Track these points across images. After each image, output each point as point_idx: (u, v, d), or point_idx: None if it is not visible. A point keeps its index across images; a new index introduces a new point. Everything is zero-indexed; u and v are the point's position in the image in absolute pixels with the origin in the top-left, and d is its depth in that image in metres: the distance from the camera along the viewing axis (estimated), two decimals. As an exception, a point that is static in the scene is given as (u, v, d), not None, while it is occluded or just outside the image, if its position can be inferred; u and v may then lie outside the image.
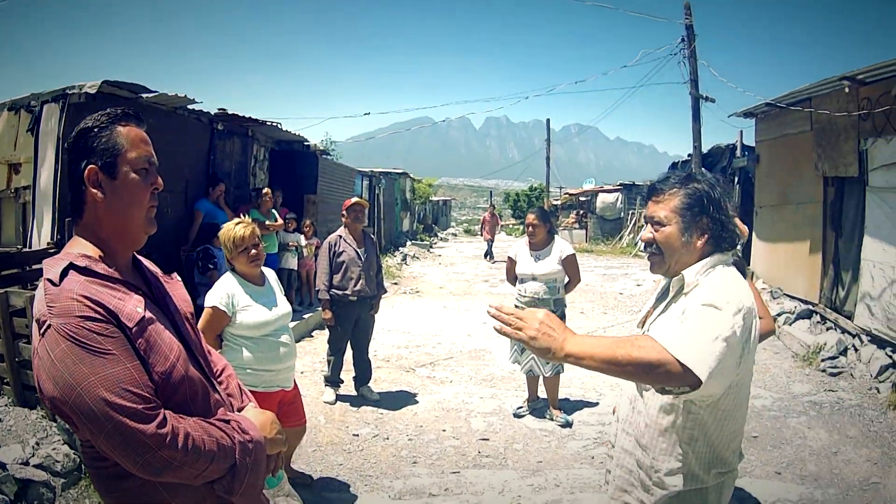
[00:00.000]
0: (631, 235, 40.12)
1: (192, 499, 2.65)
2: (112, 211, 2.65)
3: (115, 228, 2.69)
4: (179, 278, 3.21)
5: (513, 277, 9.72)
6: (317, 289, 10.19)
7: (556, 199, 61.54)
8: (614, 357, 2.86)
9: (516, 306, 9.36)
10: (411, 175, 48.33)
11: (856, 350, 11.97)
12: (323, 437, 8.76)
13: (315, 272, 11.79)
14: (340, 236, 10.07)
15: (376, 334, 11.83)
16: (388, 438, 8.79)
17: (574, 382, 11.16)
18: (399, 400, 10.38)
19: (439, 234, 60.64)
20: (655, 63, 25.08)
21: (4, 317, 7.38)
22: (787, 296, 16.18)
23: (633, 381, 3.24)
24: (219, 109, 14.28)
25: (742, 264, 6.06)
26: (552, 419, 9.43)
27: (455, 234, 70.63)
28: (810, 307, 14.66)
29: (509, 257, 9.74)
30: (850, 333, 12.46)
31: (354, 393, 10.46)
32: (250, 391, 5.56)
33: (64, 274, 2.46)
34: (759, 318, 6.02)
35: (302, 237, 16.15)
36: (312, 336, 14.56)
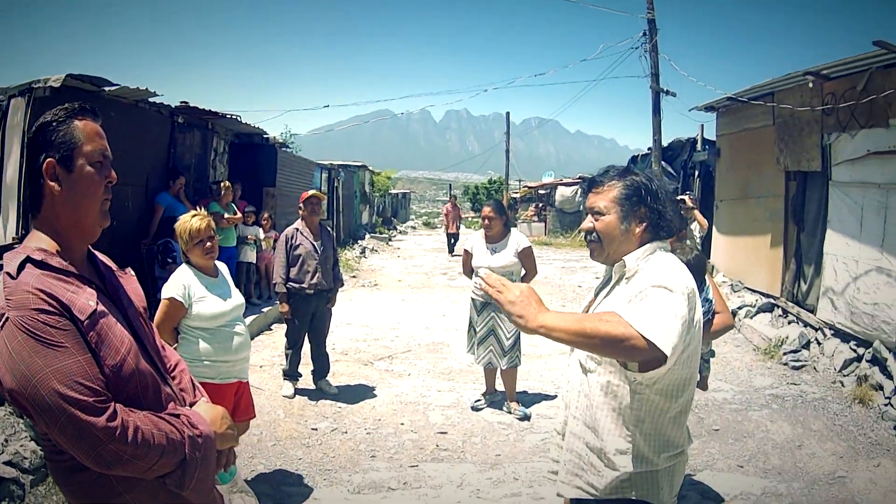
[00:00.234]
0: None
1: (146, 493, 2.65)
2: (68, 204, 2.67)
3: (71, 221, 2.70)
4: (133, 273, 3.24)
5: (469, 270, 9.70)
6: (273, 282, 10.12)
7: (516, 192, 61.82)
8: (583, 330, 2.96)
9: (472, 299, 9.40)
10: (370, 168, 48.32)
11: (819, 343, 12.01)
12: (282, 431, 8.69)
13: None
14: (297, 229, 9.99)
15: (334, 327, 11.75)
16: (346, 432, 8.73)
17: (532, 375, 11.16)
18: (357, 393, 10.31)
19: (399, 227, 60.71)
20: (617, 57, 25.14)
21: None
22: (748, 289, 16.25)
23: (599, 353, 3.30)
24: (181, 102, 14.24)
25: (703, 258, 6.06)
26: (510, 412, 9.40)
27: (414, 227, 70.73)
28: (772, 300, 14.71)
29: (465, 250, 9.72)
30: (812, 327, 12.51)
31: (313, 387, 10.38)
32: (208, 383, 5.56)
33: (21, 267, 2.50)
34: (718, 312, 6.04)
35: (260, 230, 16.01)
36: (271, 329, 14.45)
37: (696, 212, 13.58)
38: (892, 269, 10.15)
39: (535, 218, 49.86)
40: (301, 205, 10.05)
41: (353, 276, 23.85)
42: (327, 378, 10.45)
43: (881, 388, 9.76)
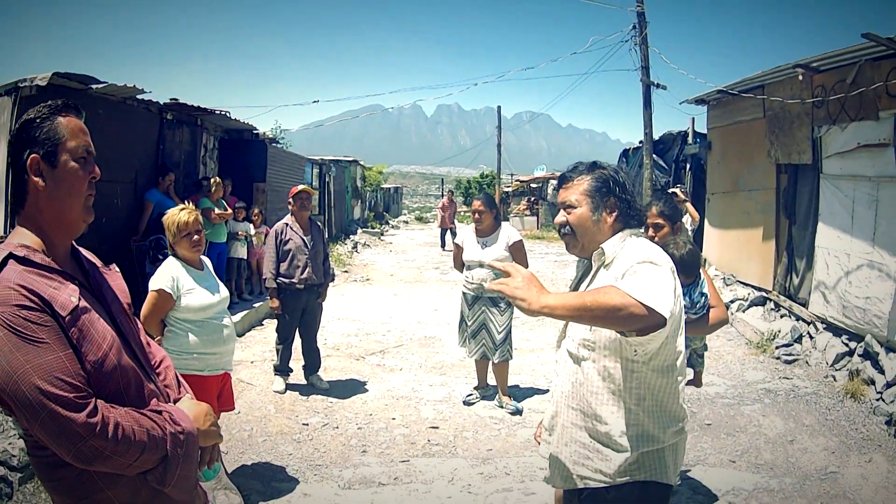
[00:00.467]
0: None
1: (128, 489, 2.65)
2: (52, 199, 2.69)
3: (55, 217, 2.71)
4: (118, 269, 3.22)
5: (460, 264, 9.66)
6: (263, 277, 10.10)
7: (508, 186, 61.81)
8: (583, 303, 3.03)
9: (464, 293, 9.38)
10: (362, 163, 48.31)
11: (811, 337, 12.00)
12: (272, 426, 8.67)
13: (265, 261, 11.75)
14: (287, 224, 9.99)
15: (326, 322, 11.74)
16: (337, 427, 8.72)
17: (524, 369, 11.17)
18: (349, 388, 10.30)
19: (391, 222, 60.74)
20: (607, 50, 25.21)
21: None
22: (741, 283, 16.26)
23: (600, 325, 3.36)
24: (171, 99, 14.31)
25: (697, 252, 6.04)
26: (502, 406, 9.40)
27: (406, 222, 70.78)
28: (764, 294, 14.72)
29: (456, 244, 9.74)
30: (804, 321, 12.49)
31: (304, 382, 10.36)
32: (196, 375, 5.54)
33: (3, 264, 2.49)
34: (713, 306, 6.00)
35: (251, 226, 16.00)
36: (263, 325, 14.41)
37: (688, 204, 13.57)
38: (883, 262, 10.14)
39: (528, 212, 49.89)
40: (291, 199, 10.03)
41: (345, 271, 23.87)
42: (318, 373, 10.44)
43: (873, 382, 9.74)
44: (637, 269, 3.28)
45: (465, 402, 9.64)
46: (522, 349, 12.22)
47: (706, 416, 9.15)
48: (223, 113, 16.28)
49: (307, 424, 8.78)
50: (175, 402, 3.04)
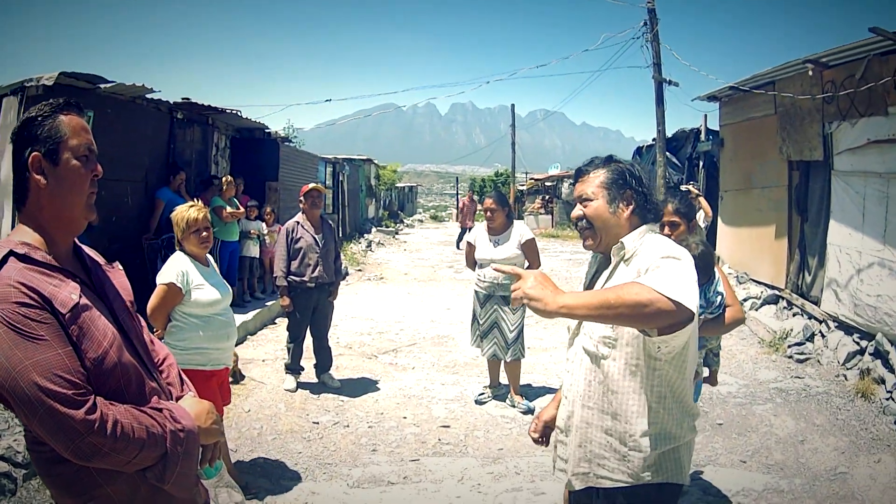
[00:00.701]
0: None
1: (127, 486, 2.67)
2: (54, 197, 2.69)
3: (56, 214, 2.72)
4: (121, 267, 3.24)
5: (472, 263, 9.67)
6: (274, 275, 10.12)
7: (522, 185, 61.72)
8: (606, 301, 2.96)
9: (476, 292, 9.37)
10: (375, 161, 48.32)
11: (823, 336, 11.94)
12: (283, 424, 8.68)
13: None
14: (298, 222, 9.99)
15: (339, 321, 11.75)
16: (348, 426, 8.72)
17: (537, 368, 11.15)
18: (360, 387, 10.30)
19: (405, 221, 60.76)
20: (618, 47, 25.23)
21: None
22: (754, 281, 16.22)
23: (623, 323, 3.25)
24: (183, 98, 14.36)
25: (711, 252, 6.02)
26: (514, 405, 9.38)
27: (421, 221, 70.79)
28: (777, 292, 14.68)
29: (468, 242, 9.72)
30: (816, 319, 12.42)
31: (316, 380, 10.37)
32: (198, 370, 5.55)
33: (4, 261, 2.49)
34: (728, 305, 5.96)
35: (263, 225, 16.00)
36: (275, 324, 14.41)
37: (702, 199, 13.54)
38: (894, 260, 10.07)
39: (542, 210, 49.84)
40: (302, 198, 10.05)
41: (359, 270, 23.92)
42: (330, 372, 10.45)
43: (883, 381, 9.70)
44: (660, 263, 3.18)
45: (476, 401, 9.63)
46: (535, 348, 12.22)
47: (718, 415, 9.12)
48: (234, 112, 16.29)
49: (317, 423, 8.79)
50: (177, 399, 3.05)
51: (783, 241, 14.68)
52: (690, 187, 13.34)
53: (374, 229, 39.84)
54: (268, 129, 19.59)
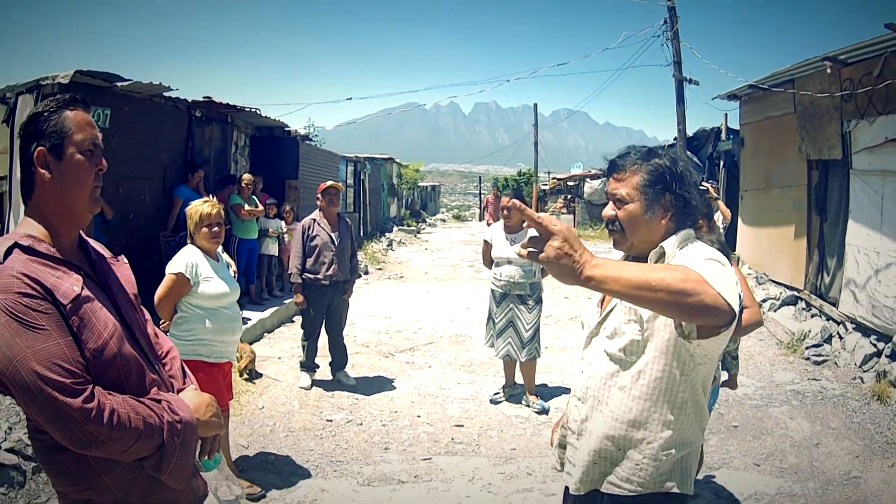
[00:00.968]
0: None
1: (124, 475, 2.72)
2: (58, 190, 2.75)
3: (61, 208, 2.78)
4: (126, 260, 3.28)
5: (489, 261, 9.67)
6: (289, 272, 10.15)
7: (545, 184, 61.67)
8: (646, 281, 2.61)
9: (492, 290, 9.37)
10: (398, 160, 48.33)
11: (840, 338, 11.86)
12: (296, 422, 8.72)
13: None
14: (314, 220, 10.04)
15: (357, 319, 11.77)
16: (361, 424, 8.76)
17: (554, 368, 11.16)
18: (376, 385, 10.34)
19: (427, 220, 60.69)
20: (639, 46, 25.04)
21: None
22: (773, 281, 16.15)
23: (657, 310, 2.90)
24: (204, 97, 14.43)
25: (727, 249, 5.97)
26: (528, 406, 9.39)
27: (444, 220, 70.77)
28: (795, 293, 14.60)
29: (485, 241, 9.70)
30: (834, 321, 12.35)
31: (331, 378, 10.41)
32: (201, 361, 5.60)
33: (8, 252, 2.57)
34: (746, 307, 5.87)
35: (283, 223, 16.06)
36: (293, 322, 14.41)
37: (720, 202, 13.49)
38: (913, 260, 10.03)
39: (564, 210, 49.75)
40: (319, 195, 10.10)
41: (379, 269, 24.00)
42: (345, 370, 10.49)
43: (899, 384, 9.62)
44: (703, 264, 2.87)
45: (491, 401, 9.65)
46: (553, 348, 12.27)
47: (733, 417, 9.10)
48: (253, 110, 16.37)
49: (331, 420, 8.83)
50: (179, 392, 3.10)
51: (802, 241, 14.60)
52: (709, 187, 13.27)
53: (395, 228, 39.87)
54: (287, 127, 19.66)
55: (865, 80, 11.47)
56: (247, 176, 14.57)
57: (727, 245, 6.05)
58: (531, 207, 9.25)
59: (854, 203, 11.90)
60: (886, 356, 10.24)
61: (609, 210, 3.40)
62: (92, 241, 3.07)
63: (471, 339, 13.45)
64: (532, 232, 8.96)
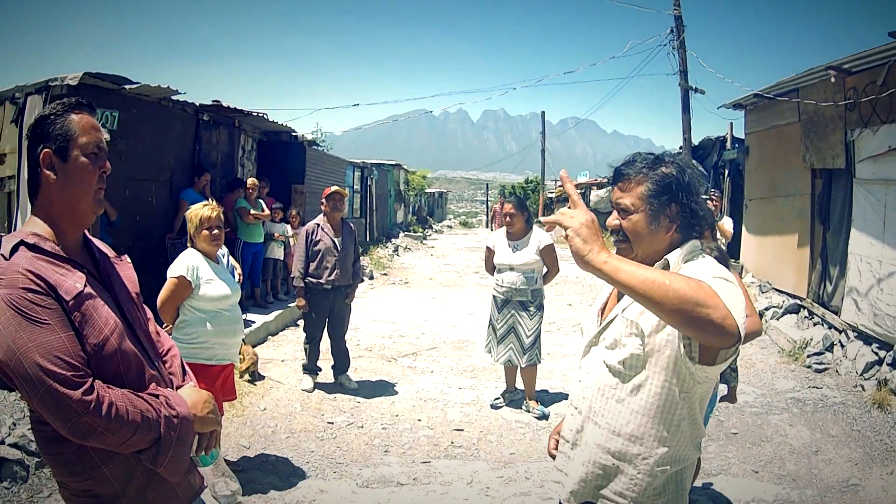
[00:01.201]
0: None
1: (122, 466, 2.80)
2: (63, 191, 2.83)
3: (65, 208, 2.85)
4: (129, 260, 3.35)
5: (491, 267, 9.72)
6: (292, 276, 10.24)
7: (552, 192, 61.66)
8: (658, 281, 2.59)
9: (494, 296, 9.43)
10: (405, 166, 48.36)
11: (842, 346, 11.88)
12: (297, 424, 8.77)
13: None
14: (318, 225, 10.10)
15: (361, 324, 11.80)
16: (362, 427, 8.80)
17: (555, 374, 11.20)
18: (378, 389, 10.38)
19: (434, 226, 60.80)
20: (645, 54, 25.18)
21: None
22: (776, 290, 16.16)
23: (661, 315, 2.75)
24: (213, 101, 14.45)
25: (725, 257, 5.98)
26: (528, 411, 9.42)
27: (450, 227, 70.87)
28: (798, 302, 14.61)
29: (487, 247, 9.74)
30: (836, 329, 12.38)
31: (333, 381, 10.47)
32: (202, 365, 5.65)
33: (14, 250, 2.66)
34: (746, 315, 5.81)
35: (288, 227, 16.11)
36: (297, 325, 14.40)
37: (721, 224, 13.45)
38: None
39: (570, 218, 49.74)
40: (324, 200, 10.16)
41: (385, 274, 24.06)
42: (347, 373, 10.54)
43: (900, 392, 9.63)
44: (713, 282, 2.76)
45: (491, 406, 9.68)
46: (555, 354, 12.31)
47: (733, 424, 9.12)
48: (260, 115, 16.39)
49: (332, 423, 8.87)
50: (178, 389, 3.16)
51: (805, 249, 14.63)
52: (711, 196, 13.26)
53: (401, 234, 39.95)
54: (294, 132, 19.77)
55: (869, 89, 11.50)
56: (252, 180, 14.62)
57: (726, 254, 6.06)
58: (537, 215, 9.25)
59: (857, 212, 11.93)
60: (888, 364, 10.28)
61: (613, 220, 3.33)
62: (96, 241, 3.16)
63: (473, 345, 13.49)
64: (534, 239, 8.99)
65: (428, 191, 75.51)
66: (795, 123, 15.18)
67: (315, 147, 23.04)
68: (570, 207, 2.85)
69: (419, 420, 9.12)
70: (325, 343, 10.40)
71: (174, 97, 12.92)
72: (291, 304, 14.79)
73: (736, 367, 6.58)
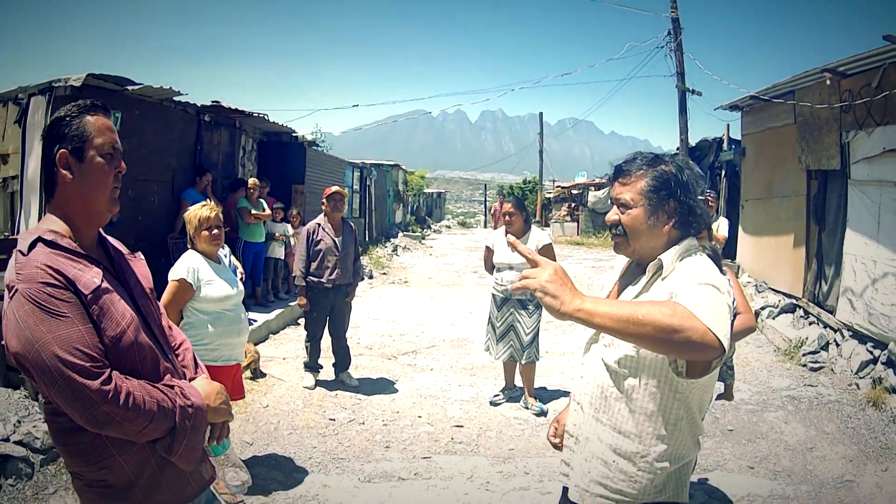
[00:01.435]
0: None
1: (137, 456, 2.86)
2: (79, 191, 2.91)
3: (82, 207, 2.94)
4: (143, 257, 3.44)
5: (490, 267, 9.79)
6: (293, 275, 10.34)
7: (549, 193, 61.58)
8: (633, 316, 2.67)
9: (493, 295, 9.50)
10: (403, 167, 48.29)
11: (837, 345, 11.95)
12: (299, 420, 8.84)
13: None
14: (319, 224, 10.18)
15: (361, 323, 11.85)
16: (363, 423, 8.88)
17: (553, 372, 11.25)
18: (378, 386, 10.47)
19: (433, 226, 60.54)
20: (643, 56, 25.23)
21: (-11, 300, 7.54)
22: (772, 290, 16.21)
23: (644, 345, 2.88)
24: (212, 102, 14.50)
25: (718, 257, 6.04)
26: (527, 407, 9.50)
27: (449, 227, 70.62)
28: (794, 301, 14.66)
29: (487, 247, 9.79)
30: (832, 328, 12.43)
31: (334, 379, 10.54)
32: (210, 366, 5.75)
33: (32, 246, 2.73)
34: (739, 313, 5.86)
35: (289, 227, 16.17)
36: (298, 324, 14.44)
37: (715, 232, 13.46)
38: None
39: (568, 218, 49.65)
40: (324, 200, 10.23)
41: (384, 274, 24.09)
42: (349, 371, 10.61)
43: (895, 391, 9.73)
44: (700, 290, 2.89)
45: (491, 403, 9.76)
46: (553, 352, 12.36)
47: (729, 421, 9.18)
48: (261, 115, 16.46)
49: (334, 420, 8.94)
50: (191, 381, 3.24)
51: (801, 250, 14.69)
52: (707, 197, 13.31)
53: (400, 234, 39.85)
54: (294, 132, 19.85)
55: (864, 92, 11.57)
56: (253, 180, 14.72)
57: (719, 254, 6.12)
58: (535, 215, 9.34)
59: (852, 213, 11.99)
60: (882, 363, 10.35)
61: (613, 214, 3.41)
62: (111, 239, 3.24)
63: (472, 343, 13.54)
64: (532, 239, 9.08)
65: (426, 191, 75.30)
66: (791, 125, 15.22)
67: (315, 147, 23.10)
68: (531, 267, 2.89)
69: (419, 416, 9.21)
70: (326, 341, 10.47)
71: (176, 98, 13.00)
72: (292, 303, 14.86)
73: (732, 365, 6.64)
